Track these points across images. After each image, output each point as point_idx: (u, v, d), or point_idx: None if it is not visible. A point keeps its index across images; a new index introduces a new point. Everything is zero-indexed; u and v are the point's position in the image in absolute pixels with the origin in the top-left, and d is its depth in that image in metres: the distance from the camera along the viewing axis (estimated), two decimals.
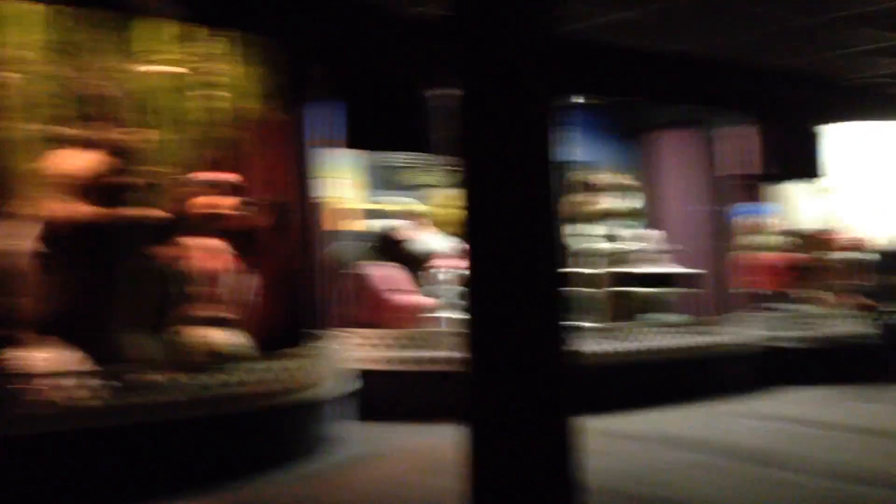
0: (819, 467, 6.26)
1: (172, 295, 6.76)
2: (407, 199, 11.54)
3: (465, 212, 3.95)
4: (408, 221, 9.87)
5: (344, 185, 11.08)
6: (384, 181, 11.58)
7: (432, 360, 8.28)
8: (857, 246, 11.84)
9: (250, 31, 7.55)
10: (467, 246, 4.00)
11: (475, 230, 3.92)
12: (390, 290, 9.19)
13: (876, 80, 10.65)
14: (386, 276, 9.27)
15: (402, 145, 8.60)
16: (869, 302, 11.14)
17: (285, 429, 6.55)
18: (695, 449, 6.96)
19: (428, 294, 9.51)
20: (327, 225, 10.59)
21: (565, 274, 4.00)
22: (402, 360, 8.32)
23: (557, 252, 3.91)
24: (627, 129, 13.73)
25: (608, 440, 7.27)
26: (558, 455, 3.84)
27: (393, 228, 9.59)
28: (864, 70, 10.12)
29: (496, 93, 3.96)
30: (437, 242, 9.96)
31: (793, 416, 8.31)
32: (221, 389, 6.15)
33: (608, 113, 13.66)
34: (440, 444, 7.08)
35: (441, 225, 11.13)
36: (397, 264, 9.48)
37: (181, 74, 7.43)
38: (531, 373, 3.81)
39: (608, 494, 5.61)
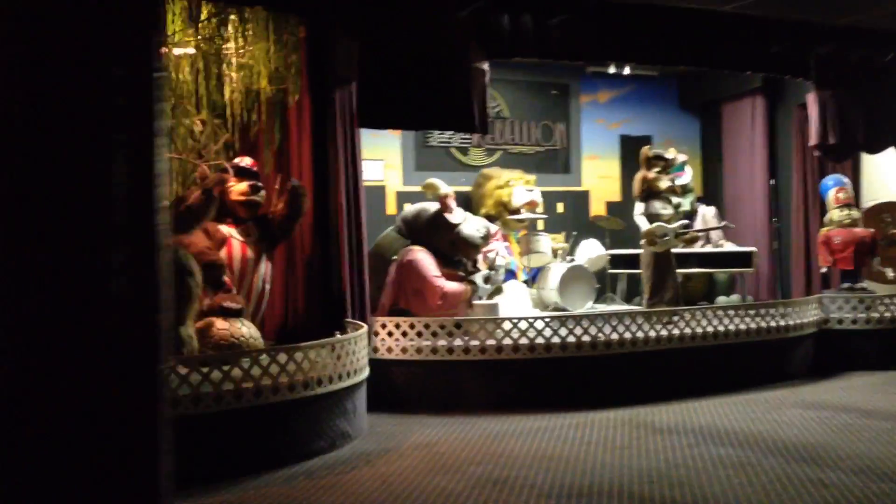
0: (858, 463, 5.77)
1: (193, 285, 6.67)
2: (462, 181, 11.38)
3: None
4: (456, 205, 9.52)
5: (377, 166, 10.96)
6: (434, 162, 11.45)
7: (470, 350, 8.02)
8: None
9: (277, 8, 7.43)
10: None
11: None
12: (437, 276, 8.95)
13: None
14: (433, 262, 9.02)
15: (438, 123, 8.28)
16: None
17: (301, 423, 6.42)
18: (731, 442, 6.50)
19: (477, 280, 9.26)
20: (368, 209, 10.53)
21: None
22: (440, 350, 8.07)
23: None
24: (693, 100, 13.16)
25: (642, 433, 6.90)
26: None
27: (442, 212, 9.27)
28: None
29: None
30: (489, 226, 9.68)
31: (848, 405, 7.72)
32: (241, 383, 6.04)
33: (672, 84, 13.17)
34: (461, 439, 6.88)
35: (491, 207, 10.91)
36: (445, 249, 9.22)
37: (206, 55, 7.37)
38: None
39: (615, 496, 5.29)
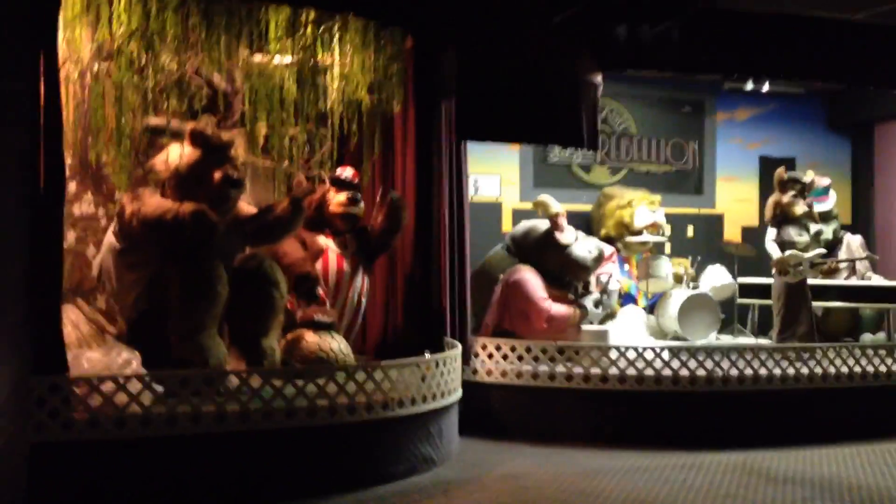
0: None
1: (277, 296, 6.50)
2: (584, 199, 10.89)
3: None
4: (569, 224, 9.04)
5: (494, 182, 10.60)
6: (554, 179, 11.01)
7: (572, 377, 7.53)
8: None
9: (379, 18, 7.22)
10: None
11: None
12: (544, 298, 8.51)
13: None
14: (541, 283, 8.59)
15: (541, 136, 7.83)
16: None
17: (379, 445, 6.11)
18: (852, 499, 5.76)
19: (587, 304, 8.77)
20: (474, 225, 10.17)
21: None
22: (542, 375, 7.62)
23: None
24: (841, 121, 12.18)
25: (753, 481, 6.23)
26: None
27: (552, 230, 8.83)
28: None
29: None
30: (602, 247, 9.17)
31: None
32: (315, 399, 5.80)
33: (819, 103, 12.24)
34: (552, 473, 6.41)
35: (612, 228, 10.37)
36: (555, 270, 8.77)
37: (304, 64, 7.22)
38: None
39: None
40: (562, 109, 7.51)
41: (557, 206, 8.89)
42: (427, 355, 6.72)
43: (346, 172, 7.60)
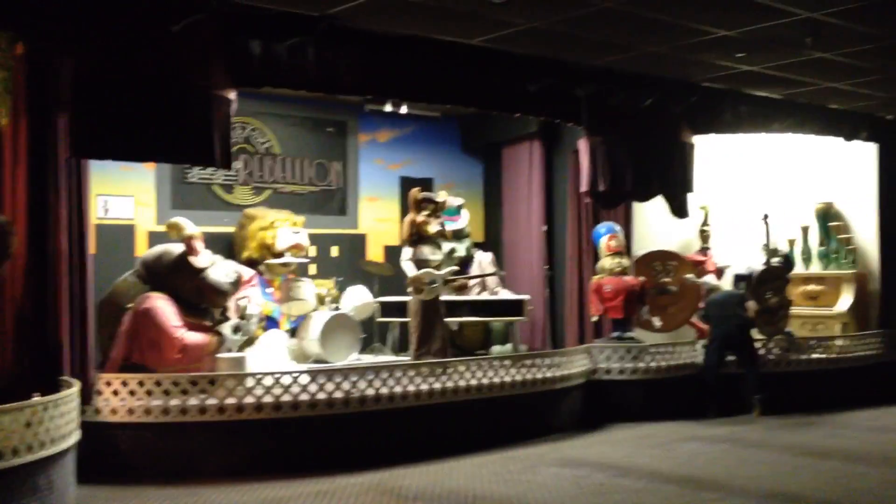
0: None
1: None
2: (226, 221, 10.57)
3: None
4: (206, 248, 8.67)
5: (127, 203, 10.02)
6: (194, 200, 10.59)
7: (206, 410, 7.18)
8: (713, 270, 11.12)
9: None
10: None
11: None
12: (178, 326, 8.07)
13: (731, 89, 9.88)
14: (174, 310, 8.14)
15: (167, 154, 7.37)
16: (703, 327, 10.45)
17: None
18: None
19: (225, 330, 8.46)
20: (104, 250, 9.53)
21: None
22: (173, 410, 7.17)
23: None
24: (473, 143, 12.94)
25: (385, 501, 6.28)
26: None
27: (187, 254, 8.40)
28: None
29: None
30: (240, 271, 8.91)
31: (607, 463, 7.42)
32: None
33: (453, 127, 12.91)
34: None
35: (254, 250, 10.16)
36: (190, 296, 8.37)
37: None
38: None
39: None
40: (192, 126, 7.11)
41: (192, 228, 8.50)
42: (35, 398, 6.05)
43: None
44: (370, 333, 10.65)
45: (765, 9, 7.06)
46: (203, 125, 7.09)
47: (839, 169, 11.79)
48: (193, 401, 7.25)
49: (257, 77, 7.61)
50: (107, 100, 6.78)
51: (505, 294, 11.28)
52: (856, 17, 7.21)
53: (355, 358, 9.75)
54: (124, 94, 6.79)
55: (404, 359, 9.48)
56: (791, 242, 11.75)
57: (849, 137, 11.17)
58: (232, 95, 7.40)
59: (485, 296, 11.22)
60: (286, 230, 10.13)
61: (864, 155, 11.60)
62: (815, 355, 10.47)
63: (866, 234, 11.56)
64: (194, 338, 8.11)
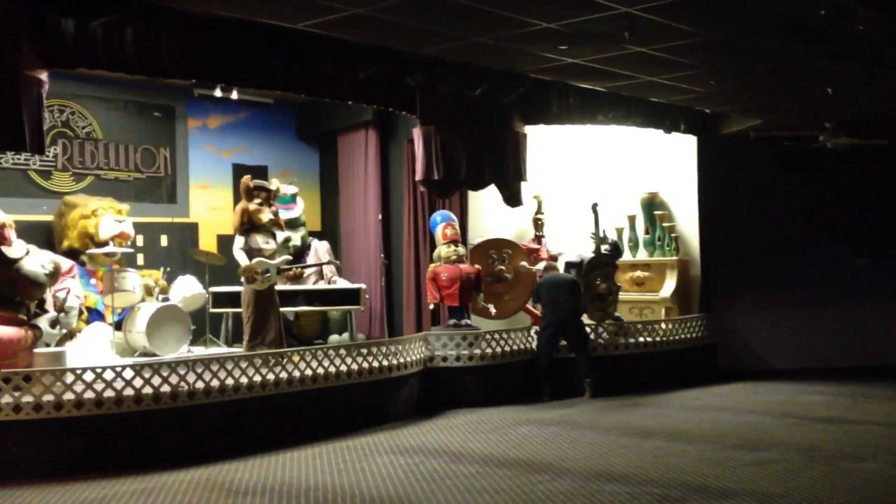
0: None
1: None
2: (44, 209, 10.00)
3: None
4: (16, 236, 8.14)
5: None
6: (8, 186, 9.95)
7: (21, 408, 6.74)
8: (547, 258, 11.39)
9: None
10: None
11: None
12: None
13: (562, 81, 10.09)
14: None
15: None
16: (537, 313, 10.70)
17: None
18: (306, 502, 5.89)
19: (42, 324, 7.97)
20: None
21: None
22: None
23: None
24: (309, 131, 12.77)
25: (214, 497, 6.06)
26: None
27: (1, 244, 7.86)
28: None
29: None
30: (57, 261, 8.41)
31: (442, 449, 7.46)
32: None
33: (288, 114, 12.69)
34: None
35: (75, 240, 9.67)
36: (3, 289, 7.83)
37: None
38: None
39: None
40: (0, 108, 6.67)
41: (3, 217, 7.97)
42: None
43: None
44: (202, 325, 10.32)
45: (584, 2, 7.22)
46: (10, 107, 6.64)
47: (663, 160, 12.31)
48: (7, 398, 6.79)
49: (71, 58, 7.17)
50: None
51: (342, 283, 11.18)
52: (671, 13, 7.46)
53: (185, 350, 9.42)
54: None
55: (237, 350, 9.24)
56: (619, 231, 12.17)
57: (669, 130, 11.66)
58: (44, 76, 6.97)
59: (321, 285, 11.09)
60: (109, 218, 9.68)
61: (686, 147, 12.16)
62: (641, 339, 10.90)
63: (688, 222, 12.12)
64: (7, 332, 7.61)
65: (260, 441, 7.57)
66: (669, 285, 11.74)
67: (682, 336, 11.29)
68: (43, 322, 7.92)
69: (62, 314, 8.07)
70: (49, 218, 9.93)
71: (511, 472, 6.61)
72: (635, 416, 8.99)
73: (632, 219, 12.23)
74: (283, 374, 7.97)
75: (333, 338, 10.90)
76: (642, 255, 12.22)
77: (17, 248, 7.91)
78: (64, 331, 8.08)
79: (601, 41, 8.29)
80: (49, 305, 8.12)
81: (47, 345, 7.88)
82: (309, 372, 8.15)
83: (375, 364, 8.67)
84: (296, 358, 8.18)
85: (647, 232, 12.19)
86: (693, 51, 8.62)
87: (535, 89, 10.07)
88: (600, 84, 10.24)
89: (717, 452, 7.19)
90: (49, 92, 7.09)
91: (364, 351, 8.73)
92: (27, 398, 6.85)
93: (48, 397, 6.88)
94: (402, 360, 8.98)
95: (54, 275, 8.07)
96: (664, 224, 12.06)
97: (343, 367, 8.40)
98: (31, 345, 7.74)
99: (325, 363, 8.32)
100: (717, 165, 12.12)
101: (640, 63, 9.11)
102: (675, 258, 11.89)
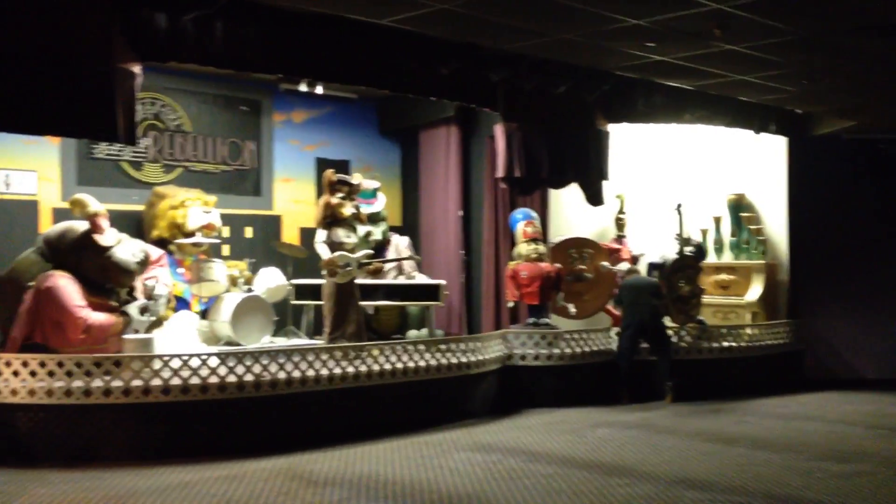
0: None
1: None
2: (134, 199, 10.26)
3: None
4: (112, 226, 8.38)
5: (30, 178, 9.67)
6: (101, 176, 10.24)
7: (111, 392, 6.94)
8: (628, 258, 11.23)
9: None
10: None
11: None
12: (82, 306, 7.78)
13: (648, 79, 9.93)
14: (78, 289, 7.84)
15: (66, 128, 7.00)
16: (617, 314, 10.55)
17: None
18: (386, 495, 5.90)
19: (132, 311, 8.18)
20: (5, 226, 9.18)
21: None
22: (76, 391, 6.91)
23: None
24: (391, 126, 12.82)
25: (294, 486, 6.14)
26: None
27: (91, 232, 8.11)
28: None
29: None
30: (147, 250, 8.62)
31: (519, 448, 7.42)
32: None
33: (370, 109, 12.76)
34: (80, 501, 5.78)
35: (164, 230, 9.89)
36: (95, 275, 8.07)
37: None
38: None
39: None
40: (93, 99, 6.81)
41: (97, 206, 8.21)
42: None
43: None
44: (284, 316, 10.47)
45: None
46: (105, 99, 6.80)
47: (751, 161, 12.03)
48: (98, 382, 7.00)
49: (162, 51, 7.31)
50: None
51: (421, 278, 11.22)
52: (763, 10, 7.29)
53: (268, 341, 9.57)
54: (18, 64, 6.46)
55: (318, 342, 9.34)
56: (704, 232, 11.94)
57: (758, 130, 11.39)
58: (137, 69, 7.13)
59: (401, 280, 11.14)
60: (197, 209, 9.88)
61: (775, 148, 11.86)
62: (725, 343, 10.67)
63: (776, 225, 11.82)
64: (99, 318, 7.85)
65: (339, 433, 7.65)
66: (756, 289, 11.47)
67: (768, 342, 11.03)
68: (132, 309, 8.13)
69: (151, 302, 8.27)
70: (139, 208, 10.18)
71: (590, 475, 6.54)
72: (718, 422, 8.80)
73: (717, 220, 11.99)
74: (363, 368, 8.03)
75: (412, 333, 10.94)
76: (727, 257, 11.96)
77: (109, 237, 8.13)
78: (152, 318, 8.27)
79: (691, 38, 8.14)
80: (138, 293, 8.33)
81: (136, 331, 8.08)
82: (388, 366, 8.19)
83: (454, 360, 8.67)
84: (375, 352, 8.24)
85: (732, 234, 11.93)
86: (785, 49, 8.40)
87: (620, 87, 9.94)
88: (687, 82, 10.05)
89: (802, 462, 6.99)
90: (141, 85, 7.26)
91: (443, 347, 8.75)
92: (116, 383, 7.04)
93: (136, 382, 7.06)
94: (480, 358, 8.96)
95: (144, 263, 8.28)
96: (751, 227, 11.79)
97: (422, 363, 8.43)
98: (122, 331, 7.95)
99: (405, 358, 8.35)
100: (807, 167, 11.79)
101: (729, 61, 8.92)
102: (761, 262, 11.60)
